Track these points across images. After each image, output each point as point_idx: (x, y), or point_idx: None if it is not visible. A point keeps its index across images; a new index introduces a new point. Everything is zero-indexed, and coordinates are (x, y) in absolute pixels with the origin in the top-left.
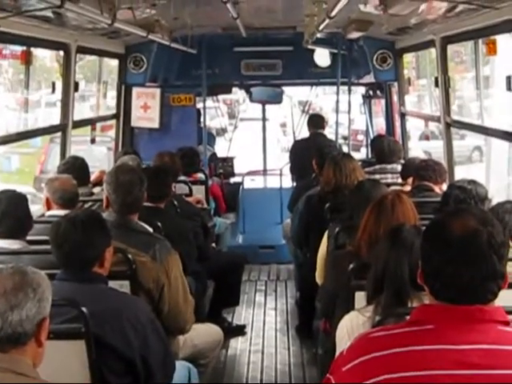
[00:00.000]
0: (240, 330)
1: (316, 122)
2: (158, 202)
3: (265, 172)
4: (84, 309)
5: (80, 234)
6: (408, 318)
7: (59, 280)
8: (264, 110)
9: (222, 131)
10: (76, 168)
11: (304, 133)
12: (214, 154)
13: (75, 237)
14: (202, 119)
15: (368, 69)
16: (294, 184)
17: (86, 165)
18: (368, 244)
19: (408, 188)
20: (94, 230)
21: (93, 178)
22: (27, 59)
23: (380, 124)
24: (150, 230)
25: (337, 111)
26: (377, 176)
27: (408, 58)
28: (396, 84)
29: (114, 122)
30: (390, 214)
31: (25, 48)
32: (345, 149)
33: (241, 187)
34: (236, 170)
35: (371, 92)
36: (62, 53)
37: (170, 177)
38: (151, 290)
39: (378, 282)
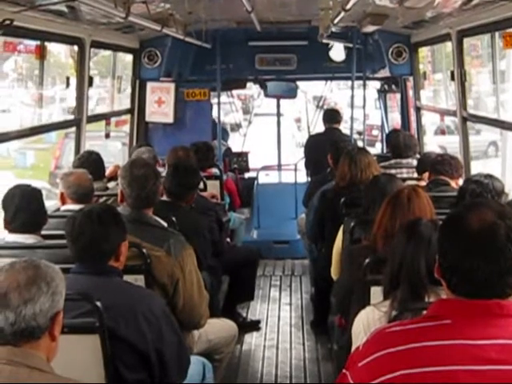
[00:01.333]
0: (255, 326)
1: (331, 116)
2: (178, 199)
3: (279, 167)
4: (98, 303)
5: (96, 228)
6: (425, 312)
7: (74, 273)
8: (278, 105)
9: (237, 126)
10: (91, 162)
11: (319, 128)
12: (229, 149)
13: (91, 230)
14: (216, 114)
15: (383, 63)
16: (309, 179)
17: (101, 159)
18: (384, 238)
19: (424, 183)
20: (109, 224)
21: (107, 172)
22: (41, 54)
23: (395, 119)
24: (165, 224)
25: (352, 106)
26: (392, 171)
27: (424, 51)
28: (411, 78)
29: (128, 116)
30: (407, 208)
31: (39, 43)
32: (360, 144)
33: (255, 182)
34: (250, 165)
35: (386, 86)
36: (76, 47)
37: (197, 178)
38: (166, 284)
39: (394, 276)
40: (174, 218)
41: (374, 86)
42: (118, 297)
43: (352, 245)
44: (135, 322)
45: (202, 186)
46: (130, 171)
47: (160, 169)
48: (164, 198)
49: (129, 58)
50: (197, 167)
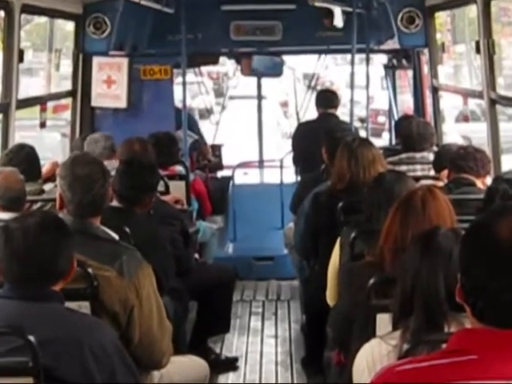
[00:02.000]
0: (231, 364)
1: (326, 99)
2: (132, 204)
3: (261, 163)
4: (32, 337)
5: (47, 242)
6: (445, 346)
7: (3, 298)
8: (260, 86)
9: (207, 112)
10: (22, 159)
11: (311, 114)
12: (197, 141)
13: (41, 245)
14: (181, 97)
15: (391, 32)
16: (299, 178)
17: (36, 155)
18: (393, 253)
19: (442, 182)
20: (61, 237)
21: (43, 171)
22: None
23: (406, 102)
24: (116, 236)
25: (351, 86)
26: (403, 167)
27: (441, 17)
28: (426, 51)
29: (69, 100)
30: (421, 214)
31: None
32: (362, 133)
33: (231, 183)
34: (225, 162)
35: (395, 61)
36: (1, 13)
37: (155, 177)
38: (117, 313)
39: (405, 300)
40: (127, 229)
41: (379, 60)
42: (58, 328)
43: (352, 261)
44: (80, 359)
45: (162, 187)
46: (72, 170)
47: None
48: (114, 203)
49: (70, 26)
50: (156, 164)
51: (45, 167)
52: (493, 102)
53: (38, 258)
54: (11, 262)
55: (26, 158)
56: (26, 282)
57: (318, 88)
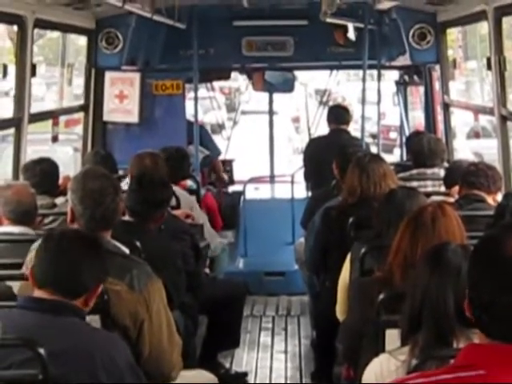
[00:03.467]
0: (240, 379)
1: (338, 115)
2: (143, 219)
3: (272, 179)
4: (42, 350)
5: (76, 256)
6: (453, 361)
7: (22, 308)
8: (271, 101)
9: (219, 127)
10: (37, 173)
11: (322, 129)
12: (208, 157)
13: (69, 257)
14: (192, 112)
15: (403, 48)
16: (309, 194)
17: (53, 169)
18: (402, 269)
19: (453, 198)
20: (91, 254)
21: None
22: None
23: (418, 118)
24: (127, 251)
25: (363, 102)
26: (414, 183)
27: (453, 34)
28: (438, 67)
29: (81, 115)
30: (431, 230)
31: None
32: (373, 149)
33: (242, 198)
34: (236, 177)
35: (407, 77)
36: (15, 27)
37: (167, 192)
38: (127, 327)
39: (415, 316)
40: (138, 243)
41: (391, 76)
42: (71, 340)
43: (362, 277)
44: (91, 371)
45: (173, 202)
46: (83, 184)
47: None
48: (126, 217)
49: (82, 41)
50: (167, 179)
51: None
52: (504, 119)
53: (62, 267)
54: (40, 269)
55: (40, 172)
56: (50, 290)
57: (330, 104)
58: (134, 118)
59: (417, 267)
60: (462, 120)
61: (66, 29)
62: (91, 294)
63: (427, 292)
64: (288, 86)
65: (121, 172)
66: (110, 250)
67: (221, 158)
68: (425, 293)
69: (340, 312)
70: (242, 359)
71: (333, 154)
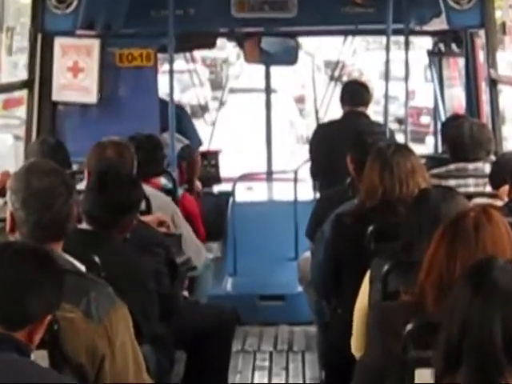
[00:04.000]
0: None
1: (354, 94)
2: (105, 228)
3: (269, 176)
4: None
5: (19, 277)
6: None
7: None
8: (268, 76)
9: (201, 109)
10: None
11: (334, 112)
12: (188, 147)
13: (10, 279)
14: (167, 89)
15: (437, 8)
16: (318, 195)
17: None
18: (436, 290)
19: (501, 201)
20: (39, 275)
21: None
22: None
23: (457, 98)
24: (82, 268)
25: (386, 77)
26: (451, 182)
27: None
28: (482, 33)
29: (24, 93)
30: (473, 241)
31: None
32: (400, 138)
33: (230, 200)
34: (223, 173)
35: (442, 46)
36: None
37: (136, 189)
38: (83, 364)
39: (452, 350)
40: (97, 258)
41: (422, 45)
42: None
43: (385, 301)
44: None
45: (143, 205)
46: (27, 182)
47: None
48: (82, 225)
49: None
50: (136, 175)
51: None
52: None
53: (1, 292)
54: None
55: None
56: None
57: (344, 80)
58: (91, 98)
59: (455, 289)
60: None
61: None
62: (37, 326)
63: (468, 321)
64: (290, 57)
65: (75, 166)
66: (61, 268)
67: (203, 148)
68: (465, 322)
69: (356, 347)
70: None
71: (347, 144)
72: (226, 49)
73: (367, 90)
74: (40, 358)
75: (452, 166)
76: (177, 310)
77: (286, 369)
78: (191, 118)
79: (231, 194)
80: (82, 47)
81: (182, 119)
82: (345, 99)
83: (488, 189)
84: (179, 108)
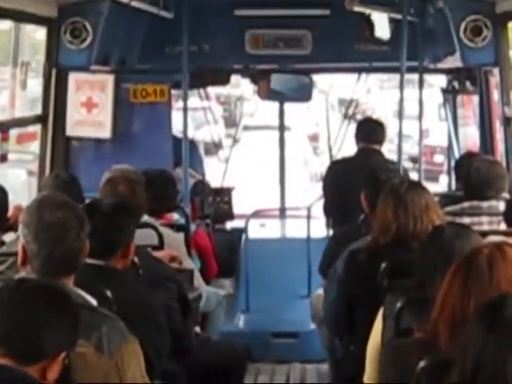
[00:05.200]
0: None
1: (369, 131)
2: (110, 257)
3: (283, 212)
4: None
5: (34, 313)
6: None
7: None
8: (282, 113)
9: (215, 147)
10: None
11: (347, 150)
12: (201, 183)
13: (25, 315)
14: (181, 126)
15: (451, 46)
16: (331, 232)
17: (3, 194)
18: (450, 328)
19: None
20: (54, 313)
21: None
22: None
23: (471, 136)
24: (94, 302)
25: (400, 116)
26: (465, 220)
27: None
28: (497, 71)
29: (38, 128)
30: (487, 278)
31: None
32: (413, 176)
33: (243, 237)
34: (236, 210)
35: (456, 84)
36: None
37: (133, 217)
38: None
39: None
40: (108, 293)
41: (436, 83)
42: None
43: (398, 338)
44: None
45: (155, 241)
46: (38, 215)
47: None
48: (90, 260)
49: (41, 34)
50: (148, 210)
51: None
52: None
53: (16, 323)
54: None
55: None
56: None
57: (358, 118)
58: (105, 133)
59: (469, 326)
60: None
61: (19, 17)
62: (51, 363)
63: (481, 358)
64: (304, 94)
65: (88, 201)
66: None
67: (217, 185)
68: (478, 359)
69: (370, 382)
70: None
71: (361, 181)
72: (240, 86)
73: (382, 128)
74: None
75: (466, 204)
76: (189, 346)
77: None
78: (202, 155)
79: (244, 230)
80: (97, 82)
81: (194, 154)
82: (359, 136)
83: (502, 227)
84: (192, 143)
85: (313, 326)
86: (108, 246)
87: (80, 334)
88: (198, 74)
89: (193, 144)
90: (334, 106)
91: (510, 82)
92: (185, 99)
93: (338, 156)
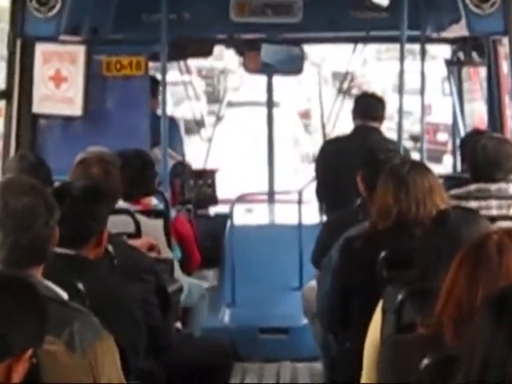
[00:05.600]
0: None
1: (367, 107)
2: (81, 246)
3: (271, 197)
4: None
5: (12, 305)
6: None
7: None
8: (271, 88)
9: (197, 124)
10: None
11: (342, 128)
12: (182, 165)
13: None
14: (159, 102)
15: (456, 13)
16: (324, 218)
17: None
18: (456, 321)
19: None
20: (30, 308)
21: None
22: None
23: (478, 112)
24: (65, 295)
25: (400, 90)
26: (472, 203)
27: None
28: (506, 40)
29: (2, 104)
30: (496, 267)
31: None
32: (415, 156)
33: (228, 223)
34: (220, 194)
35: (462, 55)
36: None
37: (106, 202)
38: None
39: None
40: (80, 285)
41: (440, 54)
42: None
43: (399, 334)
44: None
45: (132, 228)
46: (3, 201)
47: None
48: (60, 249)
49: (4, 1)
50: (115, 191)
51: None
52: None
53: None
54: None
55: None
56: None
57: (353, 93)
58: (76, 110)
59: (476, 319)
60: None
61: None
62: (16, 361)
63: (490, 354)
64: (294, 66)
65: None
66: (44, 296)
67: (198, 167)
68: (487, 355)
69: (367, 381)
70: None
71: (357, 162)
72: (224, 58)
73: (382, 104)
74: None
75: (472, 187)
76: (168, 343)
77: None
78: (182, 134)
79: (229, 216)
80: (66, 54)
81: (174, 133)
82: (357, 112)
83: None
84: (172, 121)
85: (305, 320)
86: (79, 234)
87: (49, 331)
88: (177, 45)
89: (172, 122)
90: (328, 79)
91: None
92: (163, 72)
93: (332, 135)
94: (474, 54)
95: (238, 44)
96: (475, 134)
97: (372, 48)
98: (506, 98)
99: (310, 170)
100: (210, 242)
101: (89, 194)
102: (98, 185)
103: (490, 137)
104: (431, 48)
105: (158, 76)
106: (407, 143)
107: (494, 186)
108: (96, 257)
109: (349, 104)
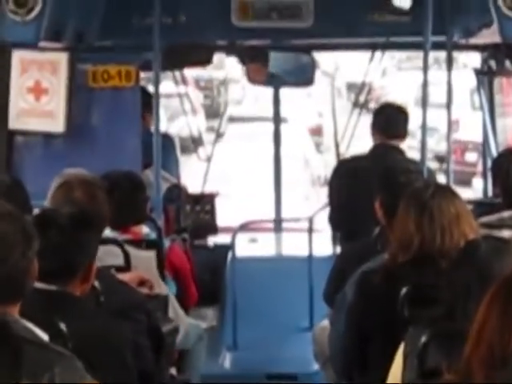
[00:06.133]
0: None
1: (389, 121)
2: (66, 282)
3: (278, 224)
4: None
5: None
6: None
7: None
8: (278, 102)
9: (194, 142)
10: None
11: (358, 146)
12: (177, 188)
13: None
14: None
15: (487, 17)
16: (338, 249)
17: None
18: (487, 367)
19: None
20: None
21: None
22: None
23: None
24: (45, 337)
25: (424, 104)
26: (505, 233)
27: None
28: None
29: None
30: None
31: None
32: (440, 178)
33: (229, 255)
34: (220, 221)
35: (493, 64)
36: None
37: (95, 231)
38: None
39: None
40: (62, 325)
41: (468, 63)
42: None
43: (422, 380)
44: None
45: (121, 261)
46: None
47: None
48: (40, 284)
49: None
50: (103, 218)
51: None
52: None
53: None
54: None
55: None
56: None
57: (371, 106)
58: (57, 126)
59: (510, 366)
60: None
61: None
62: None
63: None
64: (304, 77)
65: (37, 210)
66: (19, 337)
67: (197, 190)
68: None
69: None
70: None
71: (375, 185)
72: (224, 67)
73: (406, 117)
74: None
75: (506, 214)
76: None
77: None
78: (178, 153)
79: (230, 247)
80: (47, 63)
81: (168, 152)
82: (376, 128)
83: None
84: (166, 138)
85: (316, 366)
86: (65, 268)
87: (27, 376)
88: (172, 52)
89: (166, 139)
90: (342, 91)
91: None
92: (156, 83)
93: (347, 154)
94: (507, 63)
95: (240, 51)
96: (509, 153)
97: (392, 56)
98: None
99: (322, 195)
100: (208, 277)
101: (77, 222)
102: (87, 211)
103: None
104: (459, 56)
105: (151, 87)
106: (432, 164)
107: None
108: (82, 293)
109: (365, 119)
